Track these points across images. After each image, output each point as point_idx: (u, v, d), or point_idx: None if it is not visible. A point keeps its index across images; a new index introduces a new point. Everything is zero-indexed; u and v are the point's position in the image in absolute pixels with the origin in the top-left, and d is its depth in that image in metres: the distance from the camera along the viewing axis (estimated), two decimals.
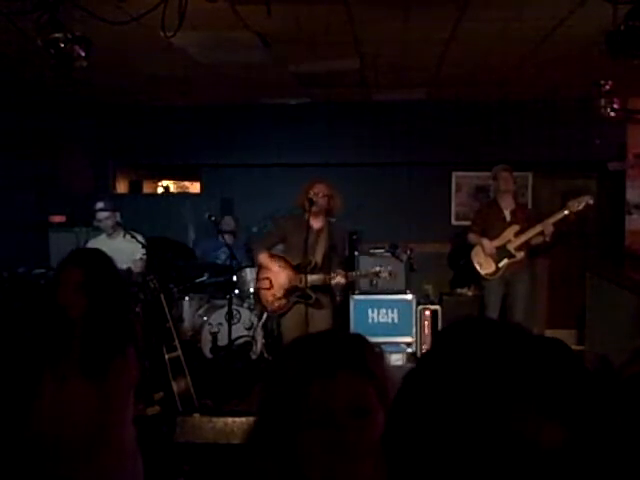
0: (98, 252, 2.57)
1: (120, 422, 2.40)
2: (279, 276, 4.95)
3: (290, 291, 4.90)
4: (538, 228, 6.02)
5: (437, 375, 0.67)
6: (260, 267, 5.13)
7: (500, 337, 0.69)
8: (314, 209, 4.85)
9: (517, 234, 6.14)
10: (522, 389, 0.62)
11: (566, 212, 5.98)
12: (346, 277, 4.81)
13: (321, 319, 4.87)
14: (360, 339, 1.20)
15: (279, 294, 4.95)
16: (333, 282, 4.80)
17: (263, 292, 5.05)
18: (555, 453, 0.60)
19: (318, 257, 4.87)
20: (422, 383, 0.68)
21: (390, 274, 5.03)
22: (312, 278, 4.80)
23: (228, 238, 6.44)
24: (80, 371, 2.32)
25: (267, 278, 4.99)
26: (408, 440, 0.67)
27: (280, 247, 5.31)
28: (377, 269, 4.97)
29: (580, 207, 5.97)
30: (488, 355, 0.66)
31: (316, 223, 4.90)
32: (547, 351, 0.67)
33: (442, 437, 0.64)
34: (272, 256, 5.04)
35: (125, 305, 2.54)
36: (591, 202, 6.01)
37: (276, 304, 4.98)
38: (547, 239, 6.02)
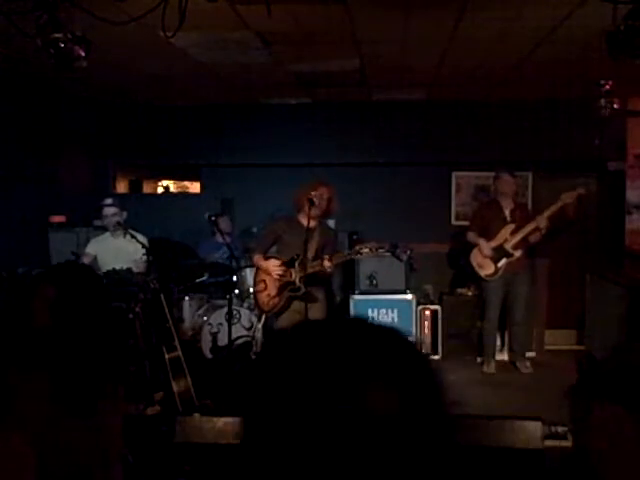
0: (75, 267, 2.28)
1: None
2: (272, 276, 5.01)
3: (282, 287, 4.95)
4: (533, 224, 6.06)
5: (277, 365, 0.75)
6: (256, 270, 5.22)
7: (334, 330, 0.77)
8: (313, 211, 4.85)
9: (513, 232, 6.17)
10: (361, 366, 0.70)
11: (560, 204, 6.03)
12: (331, 260, 4.80)
13: (316, 312, 4.91)
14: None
15: (273, 293, 5.01)
16: (323, 264, 4.78)
17: (259, 294, 5.13)
18: (392, 420, 0.68)
19: (311, 253, 4.90)
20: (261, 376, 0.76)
21: (371, 250, 4.96)
22: (300, 271, 4.85)
23: (226, 237, 6.44)
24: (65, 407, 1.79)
25: (262, 280, 5.09)
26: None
27: (274, 249, 5.31)
28: (357, 248, 4.94)
29: (573, 198, 6.03)
30: (323, 344, 0.73)
31: (311, 222, 4.89)
32: (383, 336, 0.76)
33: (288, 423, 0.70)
34: (267, 258, 5.10)
35: (106, 329, 2.11)
36: (583, 192, 6.08)
37: (271, 303, 5.04)
38: (543, 232, 6.05)
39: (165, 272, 5.85)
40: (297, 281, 4.87)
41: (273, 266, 4.98)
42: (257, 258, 5.13)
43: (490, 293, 6.38)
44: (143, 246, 5.40)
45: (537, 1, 3.92)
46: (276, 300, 4.99)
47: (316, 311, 4.96)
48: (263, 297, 5.09)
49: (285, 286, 4.93)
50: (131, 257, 5.56)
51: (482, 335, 6.57)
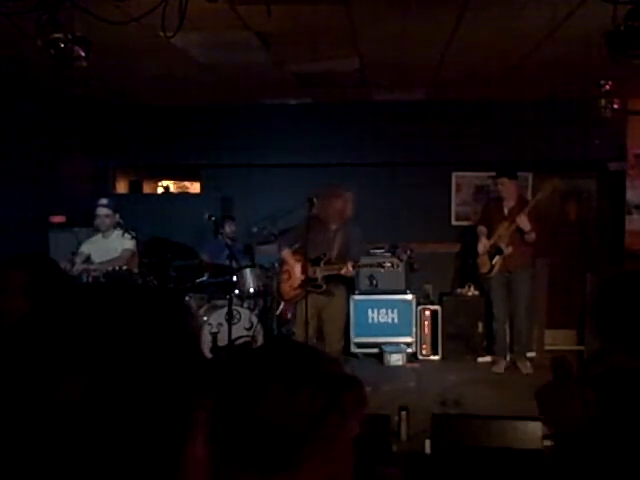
0: (42, 255, 2.42)
1: None
2: (297, 269, 5.51)
3: (305, 281, 5.39)
4: (515, 223, 6.21)
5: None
6: (282, 262, 5.73)
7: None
8: (321, 213, 5.41)
9: (506, 229, 6.31)
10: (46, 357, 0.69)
11: (535, 200, 6.21)
12: (354, 266, 5.33)
13: (333, 307, 5.42)
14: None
15: (295, 284, 5.50)
16: (342, 271, 5.31)
17: (282, 284, 5.67)
18: (74, 406, 0.67)
19: (334, 253, 5.42)
20: None
21: (393, 265, 5.63)
22: (325, 270, 5.39)
23: (228, 240, 6.44)
24: None
25: (287, 271, 5.60)
26: None
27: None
28: (380, 260, 5.63)
29: (548, 192, 6.18)
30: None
31: (333, 224, 5.47)
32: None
33: None
34: (294, 252, 5.58)
35: None
36: (550, 188, 6.20)
37: (292, 293, 5.56)
38: (526, 229, 6.15)
39: (165, 272, 5.86)
40: (320, 279, 5.39)
41: (297, 263, 5.52)
42: (285, 252, 5.64)
43: (493, 292, 6.51)
44: (137, 240, 5.44)
45: (537, 1, 3.92)
46: (297, 292, 5.50)
47: (334, 306, 5.48)
48: (285, 287, 5.62)
49: (308, 281, 5.39)
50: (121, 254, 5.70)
51: (492, 335, 6.65)
